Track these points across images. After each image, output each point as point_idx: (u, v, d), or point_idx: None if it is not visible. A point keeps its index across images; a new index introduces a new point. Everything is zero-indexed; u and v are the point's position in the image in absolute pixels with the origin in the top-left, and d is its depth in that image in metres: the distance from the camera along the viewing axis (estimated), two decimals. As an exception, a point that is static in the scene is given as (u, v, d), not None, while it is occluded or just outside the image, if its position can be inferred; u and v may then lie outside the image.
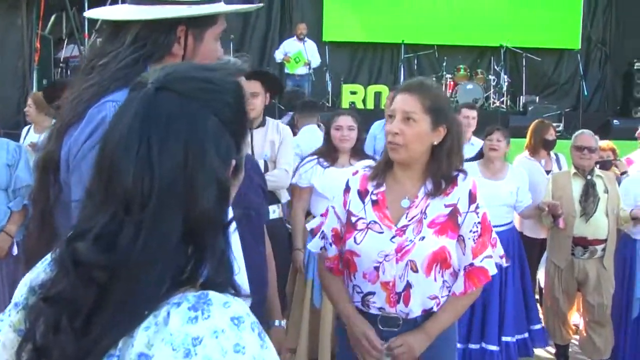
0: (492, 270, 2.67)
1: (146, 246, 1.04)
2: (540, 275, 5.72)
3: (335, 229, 2.78)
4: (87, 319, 1.05)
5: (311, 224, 2.95)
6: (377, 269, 2.61)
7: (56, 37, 11.17)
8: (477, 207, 2.63)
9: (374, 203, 2.68)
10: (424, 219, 2.60)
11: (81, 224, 1.11)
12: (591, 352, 5.40)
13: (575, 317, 5.73)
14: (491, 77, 13.39)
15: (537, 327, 5.41)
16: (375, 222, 2.64)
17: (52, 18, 11.15)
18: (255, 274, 2.69)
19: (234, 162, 1.18)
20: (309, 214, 4.92)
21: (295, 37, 12.67)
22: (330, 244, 2.80)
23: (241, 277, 1.91)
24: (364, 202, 2.70)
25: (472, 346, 5.25)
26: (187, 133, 1.10)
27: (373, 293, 2.64)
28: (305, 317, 4.79)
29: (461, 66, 13.63)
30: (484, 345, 5.22)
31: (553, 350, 5.67)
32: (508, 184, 5.35)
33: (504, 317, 5.25)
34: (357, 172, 2.81)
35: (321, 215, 2.91)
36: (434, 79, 13.43)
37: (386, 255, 2.59)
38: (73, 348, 1.03)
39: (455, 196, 2.63)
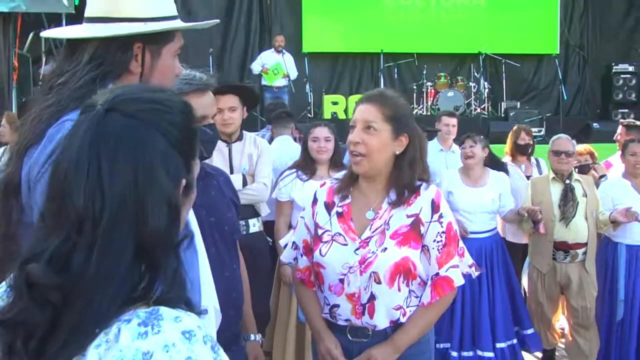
0: (458, 280, 2.64)
1: (99, 266, 1.05)
2: (524, 281, 5.72)
3: (306, 240, 2.79)
4: (41, 341, 1.05)
5: (284, 240, 2.94)
6: (342, 281, 2.61)
7: (34, 55, 11.10)
8: (440, 217, 2.61)
9: (339, 215, 2.68)
10: (387, 230, 2.60)
11: (35, 247, 1.11)
12: (577, 355, 5.40)
13: (562, 321, 5.73)
14: (472, 84, 13.47)
15: (530, 331, 5.42)
16: (340, 234, 2.64)
17: (30, 36, 11.08)
18: (230, 289, 2.68)
19: (184, 181, 1.19)
20: (291, 227, 4.90)
21: (273, 49, 12.66)
22: (302, 255, 2.80)
23: (208, 291, 1.89)
24: (329, 214, 2.70)
25: (466, 354, 5.27)
26: (136, 153, 1.11)
27: (338, 305, 2.64)
28: (292, 331, 4.76)
29: (441, 74, 13.69)
30: (478, 352, 5.25)
31: (540, 355, 5.67)
32: (490, 191, 5.38)
33: (495, 323, 5.27)
34: (324, 183, 2.83)
35: (293, 228, 2.89)
36: (414, 87, 13.53)
37: (350, 267, 2.59)
38: None
39: (418, 206, 2.62)
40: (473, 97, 13.27)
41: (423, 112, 13.11)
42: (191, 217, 1.91)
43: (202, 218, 2.63)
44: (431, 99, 13.30)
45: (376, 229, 2.61)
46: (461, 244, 2.73)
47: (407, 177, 2.62)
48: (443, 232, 2.61)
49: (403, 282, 2.57)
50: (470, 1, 14.61)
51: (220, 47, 14.43)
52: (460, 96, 13.02)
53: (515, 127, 6.57)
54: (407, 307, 2.62)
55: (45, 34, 2.21)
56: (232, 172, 4.46)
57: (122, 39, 1.85)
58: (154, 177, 1.11)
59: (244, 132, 4.72)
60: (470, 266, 2.77)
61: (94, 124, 1.14)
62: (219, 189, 2.79)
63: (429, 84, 13.45)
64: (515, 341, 5.35)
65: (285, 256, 2.91)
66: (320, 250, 2.66)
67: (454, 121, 6.66)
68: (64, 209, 1.09)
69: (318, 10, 14.46)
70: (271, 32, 14.52)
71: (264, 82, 12.45)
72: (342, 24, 14.41)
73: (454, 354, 5.26)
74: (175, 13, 1.98)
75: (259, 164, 4.64)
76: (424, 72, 13.64)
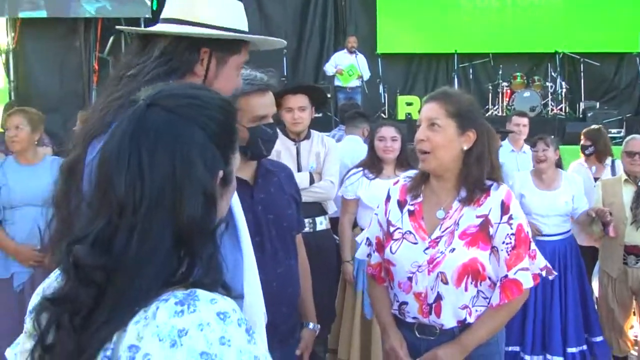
0: (527, 283, 2.60)
1: (139, 249, 1.12)
2: (595, 285, 5.57)
3: (378, 237, 2.82)
4: (86, 317, 1.12)
5: (360, 237, 2.98)
6: (410, 279, 2.62)
7: (114, 58, 11.45)
8: (510, 218, 2.58)
9: (411, 213, 2.69)
10: (456, 230, 2.59)
11: (81, 230, 1.19)
12: (652, 363, 5.24)
13: (636, 328, 5.56)
14: (549, 84, 13.19)
15: (599, 339, 5.28)
16: (410, 232, 2.66)
17: (111, 39, 11.43)
18: (285, 285, 2.72)
19: (221, 173, 1.24)
20: (356, 226, 4.93)
21: (346, 50, 12.69)
22: (374, 251, 2.84)
23: (251, 280, 1.93)
24: (402, 212, 2.72)
25: (536, 358, 5.19)
26: (174, 146, 1.18)
27: (407, 303, 2.66)
28: (357, 328, 4.79)
29: (517, 74, 13.44)
30: (548, 356, 5.16)
31: (612, 363, 5.50)
32: (563, 193, 5.27)
33: (567, 327, 5.17)
34: (397, 181, 2.84)
35: (359, 226, 2.96)
36: (489, 87, 13.36)
37: (419, 266, 2.60)
38: (72, 344, 1.11)
39: (487, 207, 2.59)
40: (550, 97, 12.99)
41: (498, 112, 12.95)
42: (237, 210, 1.96)
43: (260, 215, 2.70)
44: (507, 99, 13.09)
45: (446, 229, 2.61)
46: (533, 246, 2.68)
47: (475, 174, 2.60)
48: (512, 234, 2.57)
49: (471, 283, 2.56)
50: (547, 0, 14.35)
51: (295, 49, 14.56)
52: (536, 96, 12.76)
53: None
54: (474, 306, 2.60)
55: (123, 28, 2.31)
56: (299, 170, 4.52)
57: (191, 40, 1.95)
58: (191, 168, 1.17)
59: (312, 131, 4.77)
60: (542, 269, 2.72)
61: (135, 117, 1.21)
62: (280, 185, 2.84)
63: (504, 84, 13.25)
64: (585, 347, 5.22)
65: (360, 253, 2.95)
66: (390, 247, 2.68)
67: (524, 121, 6.55)
68: (107, 196, 1.16)
69: (393, 11, 14.45)
70: (345, 33, 14.57)
71: (337, 83, 12.49)
72: (417, 24, 14.36)
73: (527, 357, 5.18)
74: (246, 29, 2.07)
75: (326, 162, 4.69)
76: (500, 72, 13.46)
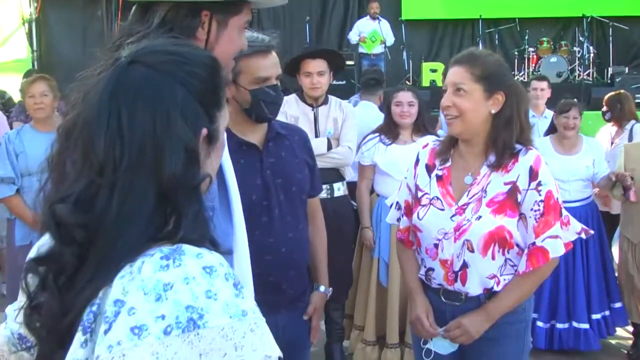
0: (555, 252, 2.52)
1: (121, 206, 1.11)
2: (614, 251, 5.50)
3: (407, 201, 2.80)
4: (71, 277, 1.13)
5: (389, 200, 2.95)
6: (436, 246, 2.60)
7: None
8: (539, 185, 2.51)
9: (439, 178, 2.66)
10: (484, 197, 2.54)
11: (64, 190, 1.19)
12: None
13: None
14: (576, 49, 13.00)
15: (618, 305, 5.24)
16: (437, 198, 2.62)
17: (133, 8, 11.40)
18: (293, 249, 2.72)
19: (205, 130, 1.22)
20: (373, 192, 4.91)
21: (368, 17, 12.57)
22: (403, 215, 2.82)
23: (240, 238, 1.92)
24: (430, 177, 2.69)
25: (560, 325, 5.17)
26: (154, 102, 1.16)
27: (433, 269, 2.64)
28: (372, 295, 4.79)
29: (544, 39, 13.26)
30: (574, 324, 5.13)
31: (631, 329, 5.44)
32: (584, 158, 5.19)
33: (590, 294, 5.14)
34: (427, 144, 2.79)
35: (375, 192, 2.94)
36: (516, 53, 13.19)
37: (445, 234, 2.57)
38: (57, 303, 1.12)
39: (515, 173, 2.53)
40: (577, 62, 12.79)
41: (524, 78, 12.76)
42: (227, 168, 1.95)
43: (268, 179, 2.69)
44: (533, 65, 12.94)
45: (473, 196, 2.56)
46: (565, 212, 2.59)
47: (505, 137, 2.54)
48: (541, 201, 2.50)
49: (498, 251, 2.51)
50: (576, -38, 14.09)
51: (319, 16, 14.51)
52: (563, 62, 12.57)
53: None
54: (502, 275, 2.55)
55: None
56: (317, 135, 4.51)
57: (190, 4, 1.90)
58: (172, 124, 1.16)
59: (330, 96, 4.74)
60: (578, 233, 2.64)
61: (115, 74, 1.20)
62: (291, 149, 2.81)
63: (531, 49, 13.09)
64: (607, 312, 5.19)
65: (390, 217, 2.92)
66: (418, 213, 2.66)
67: (542, 85, 6.45)
68: (88, 156, 1.16)
69: (418, -24, 14.29)
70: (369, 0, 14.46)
71: (361, 50, 12.40)
72: (442, -11, 14.18)
73: (541, 324, 5.17)
74: None
75: (344, 127, 4.66)
76: (526, 37, 13.31)
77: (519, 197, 2.51)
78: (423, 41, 14.39)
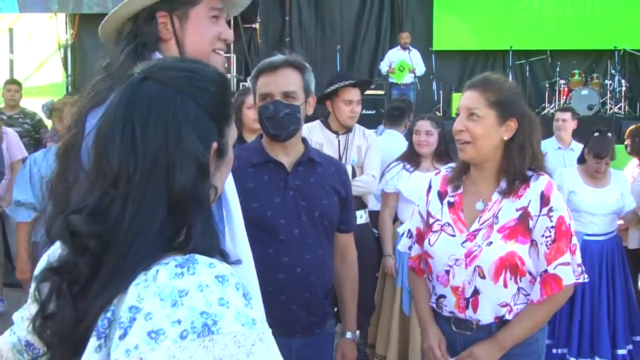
0: (568, 279, 2.50)
1: (134, 217, 1.16)
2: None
3: (419, 228, 2.79)
4: (85, 286, 1.17)
5: (401, 228, 2.94)
6: (447, 272, 2.58)
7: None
8: (550, 210, 2.48)
9: (450, 205, 2.65)
10: (495, 223, 2.53)
11: (78, 202, 1.23)
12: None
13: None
14: (608, 82, 12.86)
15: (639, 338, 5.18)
16: (449, 224, 2.62)
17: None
18: (309, 272, 2.70)
19: (215, 144, 1.26)
20: (397, 220, 4.91)
21: (399, 47, 12.62)
22: (414, 243, 2.82)
23: (242, 247, 1.95)
24: (442, 203, 2.68)
25: None
26: (167, 116, 1.21)
27: (444, 296, 2.62)
28: (395, 324, 4.77)
29: (575, 71, 13.15)
30: (597, 359, 5.04)
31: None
32: (613, 190, 5.14)
33: (615, 328, 5.06)
34: (439, 171, 2.80)
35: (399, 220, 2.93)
36: (547, 85, 13.13)
37: (456, 260, 2.55)
38: (71, 312, 1.16)
39: (527, 198, 2.51)
40: (609, 95, 12.69)
41: (555, 110, 12.69)
42: (229, 185, 1.97)
43: (289, 199, 2.70)
44: (564, 97, 12.83)
45: (485, 222, 2.55)
46: (574, 240, 2.55)
47: (517, 164, 2.53)
48: (552, 227, 2.48)
49: (510, 279, 2.48)
50: (609, -5, 14.05)
51: (350, 46, 14.60)
52: (595, 94, 12.45)
53: None
54: (515, 304, 2.53)
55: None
56: (340, 163, 4.52)
57: (145, 11, 1.94)
58: (183, 138, 1.20)
59: (354, 124, 4.77)
60: (579, 265, 2.59)
61: (129, 90, 1.24)
62: (322, 177, 2.80)
63: (562, 81, 12.98)
64: (632, 347, 5.12)
65: (402, 245, 2.92)
66: (429, 240, 2.66)
67: (565, 115, 6.40)
68: (102, 168, 1.20)
69: (449, 8, 14.37)
70: (402, 30, 14.52)
71: (391, 80, 12.42)
72: (473, 20, 14.23)
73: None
74: None
75: (367, 156, 4.69)
76: (557, 69, 13.20)
77: (531, 223, 2.49)
78: (453, 72, 14.40)
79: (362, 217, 4.62)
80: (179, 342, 1.06)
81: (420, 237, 2.78)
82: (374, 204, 4.92)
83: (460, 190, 2.66)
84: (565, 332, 5.08)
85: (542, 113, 12.69)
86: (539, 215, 2.49)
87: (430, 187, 2.77)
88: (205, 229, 1.20)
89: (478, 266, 2.50)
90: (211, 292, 1.10)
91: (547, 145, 6.14)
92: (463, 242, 2.55)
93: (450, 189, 2.68)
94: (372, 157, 4.71)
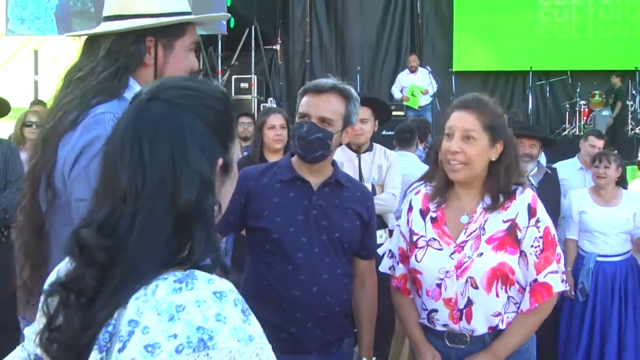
0: (557, 287, 2.58)
1: (141, 232, 1.19)
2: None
3: (402, 248, 2.78)
4: (92, 297, 1.20)
5: (382, 249, 2.92)
6: (439, 285, 2.59)
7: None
8: (537, 221, 2.57)
9: (433, 220, 2.67)
10: (482, 234, 2.57)
11: (87, 218, 1.28)
12: None
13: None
14: (629, 103, 12.83)
15: None
16: (434, 239, 2.63)
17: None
18: (325, 292, 2.71)
19: (220, 160, 1.31)
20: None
21: (407, 70, 12.69)
22: (398, 263, 2.80)
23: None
24: (424, 220, 2.69)
25: None
26: (173, 134, 1.25)
27: (436, 310, 2.63)
28: (408, 343, 4.75)
29: (596, 92, 13.13)
30: None
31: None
32: (624, 210, 5.14)
33: (624, 350, 5.04)
34: (419, 191, 2.80)
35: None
36: (567, 105, 13.11)
37: (447, 272, 2.57)
38: (78, 320, 1.19)
39: (514, 211, 2.58)
40: (630, 116, 12.65)
41: (575, 131, 12.67)
42: None
43: (311, 218, 2.73)
44: (585, 118, 12.82)
45: (471, 233, 2.59)
46: (559, 249, 2.64)
47: (503, 184, 2.59)
48: (540, 237, 2.56)
49: (501, 288, 2.54)
50: (630, 15, 14.04)
51: (370, 66, 14.68)
52: (615, 115, 12.45)
53: None
54: (505, 313, 2.58)
55: (71, 34, 2.42)
56: (360, 181, 4.54)
57: (135, 33, 2.00)
58: (189, 155, 1.24)
59: (374, 144, 4.81)
60: (563, 273, 2.65)
61: (137, 110, 1.29)
62: (346, 200, 2.82)
63: (582, 102, 12.98)
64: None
65: (383, 266, 2.91)
66: (415, 256, 2.66)
67: (600, 143, 6.13)
68: (111, 185, 1.24)
69: (469, 28, 14.45)
70: (422, 51, 14.58)
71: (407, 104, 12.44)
72: (493, 41, 14.30)
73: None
74: (188, 9, 2.11)
75: (388, 174, 4.71)
76: (578, 90, 13.19)
77: (519, 234, 2.56)
78: (473, 92, 14.32)
79: (382, 236, 4.62)
80: (174, 356, 1.08)
81: (404, 257, 2.76)
82: (394, 223, 4.92)
83: (443, 206, 2.67)
84: (573, 352, 5.11)
85: (563, 134, 12.66)
86: (527, 227, 2.56)
87: (411, 206, 2.76)
88: (207, 244, 1.23)
89: (470, 277, 2.53)
90: (208, 307, 1.12)
91: (568, 166, 6.08)
92: (451, 254, 2.58)
93: (433, 205, 2.70)
94: (393, 176, 4.72)
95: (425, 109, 12.29)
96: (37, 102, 8.45)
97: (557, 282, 2.58)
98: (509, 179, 2.60)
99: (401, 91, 12.51)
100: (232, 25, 11.85)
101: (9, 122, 6.10)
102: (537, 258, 2.56)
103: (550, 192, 4.98)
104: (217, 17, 2.30)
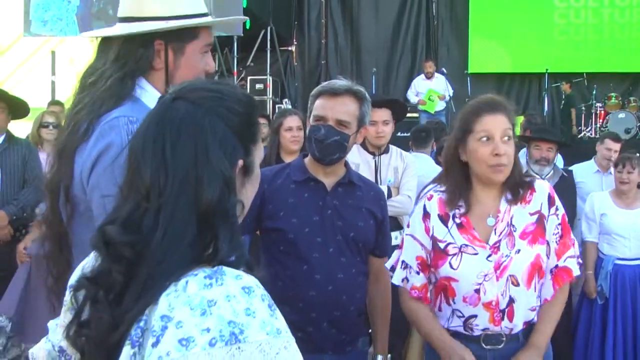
0: (576, 270, 2.67)
1: (166, 230, 1.22)
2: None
3: (421, 257, 2.69)
4: (120, 294, 1.23)
5: (388, 263, 2.85)
6: (477, 291, 2.56)
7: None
8: (556, 209, 2.66)
9: (459, 226, 2.63)
10: (514, 231, 2.59)
11: (111, 214, 1.31)
12: None
13: None
14: (646, 105, 12.75)
15: None
16: (466, 245, 2.61)
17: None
18: (340, 291, 2.74)
19: (241, 162, 1.33)
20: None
21: (423, 76, 12.67)
22: (418, 272, 2.71)
23: None
24: (447, 227, 2.64)
25: None
26: (196, 134, 1.28)
27: (475, 316, 2.59)
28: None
29: (612, 94, 13.03)
30: None
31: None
32: None
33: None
34: (431, 196, 2.72)
35: (397, 248, 2.82)
36: (583, 108, 13.04)
37: (485, 275, 2.56)
38: (107, 317, 1.22)
39: (538, 202, 2.64)
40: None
41: (591, 134, 12.60)
42: None
43: (326, 218, 2.76)
44: (601, 120, 12.73)
45: (501, 232, 2.59)
46: (572, 235, 2.74)
47: (517, 175, 2.64)
48: (559, 224, 2.66)
49: (538, 282, 2.61)
50: (646, 17, 13.96)
51: (385, 68, 14.67)
52: (632, 118, 12.29)
53: None
54: (537, 306, 2.65)
55: (85, 34, 2.40)
56: (377, 183, 4.54)
57: (143, 37, 1.96)
58: (210, 155, 1.26)
59: (390, 145, 4.81)
60: (578, 257, 2.74)
61: (161, 109, 1.32)
62: (360, 199, 2.83)
63: (598, 104, 12.88)
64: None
65: (396, 278, 2.78)
66: (450, 263, 2.60)
67: (617, 147, 6.05)
68: (135, 182, 1.27)
69: (485, 30, 14.41)
70: (437, 53, 14.55)
71: (423, 109, 12.43)
72: (509, 43, 14.25)
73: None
74: (203, 11, 2.05)
75: (404, 177, 4.71)
76: (594, 92, 13.11)
77: (546, 224, 2.63)
78: (489, 94, 14.29)
79: (397, 238, 4.59)
80: (208, 349, 1.12)
81: (424, 266, 2.69)
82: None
83: (464, 210, 2.64)
84: (597, 355, 5.12)
85: (579, 136, 12.60)
86: (549, 215, 2.65)
87: (427, 213, 2.68)
88: (231, 242, 1.25)
89: (511, 275, 2.54)
90: (238, 302, 1.16)
91: (585, 168, 6.05)
92: (488, 257, 2.57)
93: (452, 211, 2.65)
94: (409, 178, 4.72)
95: (440, 113, 12.28)
96: (54, 102, 8.51)
97: (575, 265, 2.67)
98: (520, 171, 2.67)
99: (416, 95, 12.49)
100: (247, 27, 11.90)
101: (27, 122, 6.13)
102: (557, 244, 2.65)
103: (566, 194, 4.93)
104: (232, 20, 2.27)
